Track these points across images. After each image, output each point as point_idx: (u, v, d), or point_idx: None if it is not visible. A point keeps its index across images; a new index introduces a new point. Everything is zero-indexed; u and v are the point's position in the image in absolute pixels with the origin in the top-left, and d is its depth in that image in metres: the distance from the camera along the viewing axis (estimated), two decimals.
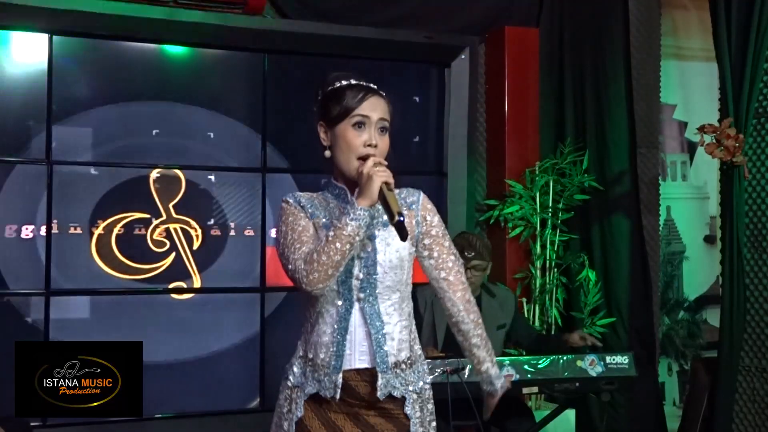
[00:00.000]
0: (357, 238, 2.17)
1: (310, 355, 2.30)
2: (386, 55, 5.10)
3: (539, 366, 3.71)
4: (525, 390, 3.80)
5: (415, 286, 2.43)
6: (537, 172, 5.18)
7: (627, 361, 3.82)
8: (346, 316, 2.27)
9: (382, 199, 2.18)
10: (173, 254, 4.79)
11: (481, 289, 4.13)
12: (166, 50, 4.85)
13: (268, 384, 4.92)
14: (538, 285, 5.13)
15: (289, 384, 2.33)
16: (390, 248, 2.30)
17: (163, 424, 4.70)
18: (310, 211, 2.31)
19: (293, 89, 5.00)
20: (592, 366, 3.78)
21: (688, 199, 6.21)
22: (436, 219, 2.39)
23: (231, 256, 4.92)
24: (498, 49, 5.29)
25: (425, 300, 4.00)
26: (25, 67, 4.56)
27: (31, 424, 4.03)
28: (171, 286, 4.80)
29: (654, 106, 5.32)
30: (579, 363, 3.77)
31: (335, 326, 2.27)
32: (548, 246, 5.15)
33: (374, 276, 2.28)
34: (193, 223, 4.83)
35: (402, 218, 2.14)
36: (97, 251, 4.63)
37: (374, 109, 2.29)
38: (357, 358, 2.28)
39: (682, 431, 4.87)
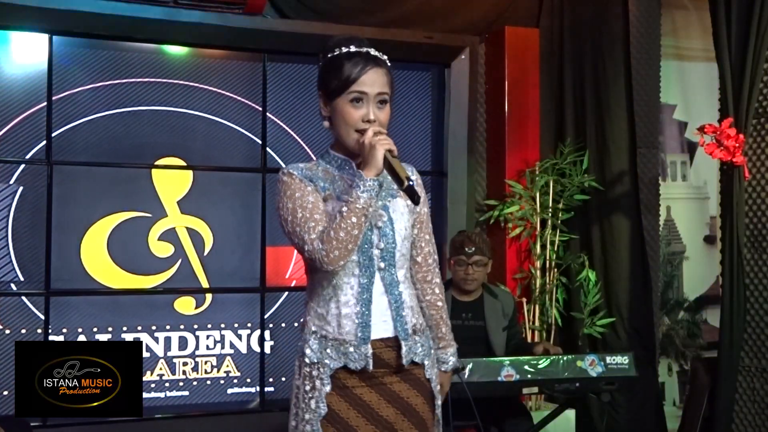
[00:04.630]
0: (370, 209, 2.17)
1: (329, 330, 2.26)
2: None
3: (539, 366, 3.71)
4: (525, 390, 3.79)
5: None
6: (537, 172, 5.18)
7: (627, 361, 3.82)
8: (368, 286, 2.26)
9: (388, 166, 2.18)
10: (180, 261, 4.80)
11: (483, 289, 4.11)
12: (166, 50, 4.85)
13: (268, 384, 4.92)
14: (538, 285, 5.13)
15: (307, 362, 2.26)
16: (403, 217, 2.34)
17: (163, 424, 4.69)
18: (321, 184, 2.27)
19: (293, 89, 5.00)
20: (592, 366, 3.77)
21: (688, 199, 6.20)
22: (425, 198, 2.42)
23: (231, 255, 4.92)
24: (498, 49, 5.29)
25: None
26: (25, 67, 4.56)
27: (31, 424, 4.02)
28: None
29: (654, 106, 5.30)
30: (579, 363, 3.77)
31: (358, 297, 2.26)
32: (548, 246, 5.15)
33: (393, 245, 2.30)
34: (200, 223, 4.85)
35: (411, 182, 2.15)
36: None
37: (373, 83, 2.26)
38: (381, 327, 2.28)
39: (682, 431, 4.87)
